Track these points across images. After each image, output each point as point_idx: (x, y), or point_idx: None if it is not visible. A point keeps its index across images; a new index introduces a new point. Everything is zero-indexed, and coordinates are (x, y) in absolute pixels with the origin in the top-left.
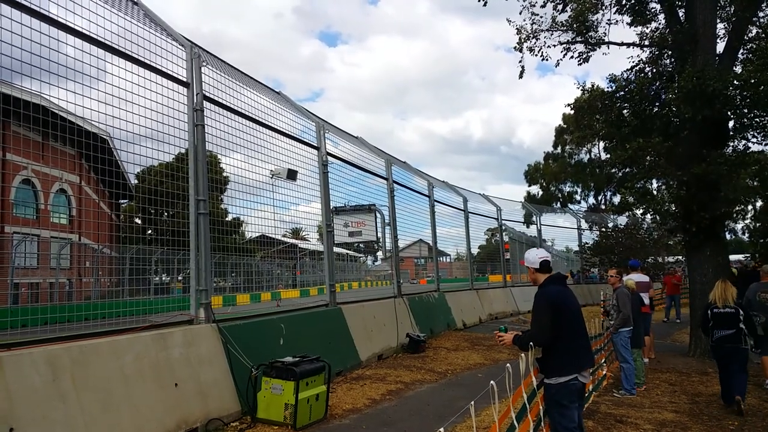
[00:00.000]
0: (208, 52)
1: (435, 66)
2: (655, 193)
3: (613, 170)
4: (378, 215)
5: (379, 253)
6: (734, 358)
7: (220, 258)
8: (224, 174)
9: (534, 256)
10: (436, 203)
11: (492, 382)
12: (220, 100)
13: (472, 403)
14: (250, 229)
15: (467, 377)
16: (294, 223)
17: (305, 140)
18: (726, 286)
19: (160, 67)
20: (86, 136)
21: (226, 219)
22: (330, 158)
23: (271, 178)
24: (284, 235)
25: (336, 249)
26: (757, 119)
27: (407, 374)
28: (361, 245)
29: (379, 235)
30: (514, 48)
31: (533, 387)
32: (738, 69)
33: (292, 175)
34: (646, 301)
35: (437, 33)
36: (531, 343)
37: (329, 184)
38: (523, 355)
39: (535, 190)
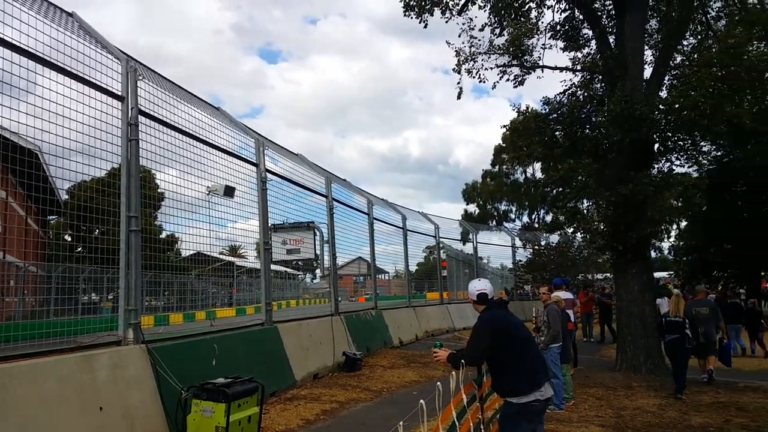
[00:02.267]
0: (144, 65)
1: (375, 86)
2: (585, 212)
3: (547, 189)
4: (317, 233)
5: (318, 271)
6: (680, 355)
7: (152, 276)
8: (159, 190)
9: (473, 288)
10: (375, 221)
11: (421, 401)
12: (156, 115)
13: (401, 423)
14: (186, 246)
15: (402, 395)
16: (231, 240)
17: (244, 157)
18: (678, 300)
19: (93, 80)
20: (14, 150)
21: (161, 236)
22: (269, 175)
23: (208, 194)
24: (221, 253)
25: (274, 267)
26: (681, 142)
27: (342, 393)
28: (300, 263)
29: (318, 252)
30: (453, 69)
31: (464, 404)
32: (664, 94)
33: (229, 191)
34: (572, 317)
35: (377, 54)
36: (462, 362)
37: (268, 201)
38: (453, 372)
39: (473, 208)
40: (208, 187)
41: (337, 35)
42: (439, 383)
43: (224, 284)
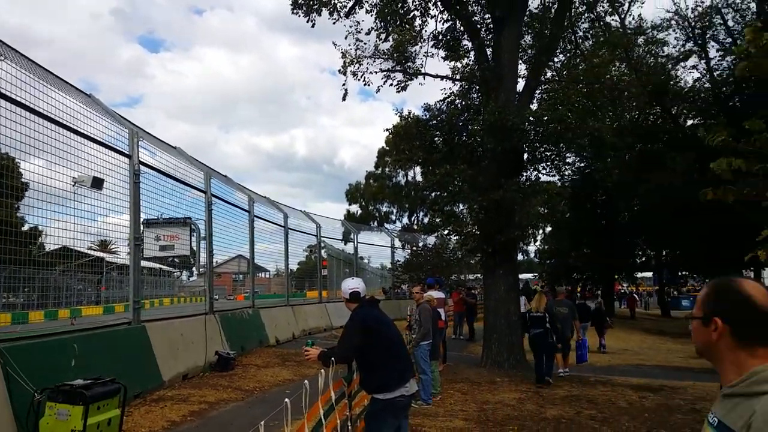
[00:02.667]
0: (7, 45)
1: (262, 82)
2: (460, 216)
3: (426, 193)
4: (194, 229)
5: (195, 269)
6: (543, 349)
7: (11, 272)
8: (23, 180)
9: (346, 287)
10: (256, 219)
11: (287, 399)
12: (19, 99)
13: (262, 423)
14: (50, 240)
15: (275, 394)
16: (101, 235)
17: (116, 147)
18: (541, 298)
19: None
20: None
21: (23, 229)
22: (143, 168)
23: (74, 185)
24: (90, 248)
25: (148, 263)
26: (548, 153)
27: (213, 393)
28: (176, 260)
29: (195, 249)
30: (339, 71)
31: (332, 402)
32: (534, 106)
33: (97, 183)
34: (443, 316)
35: (264, 50)
36: (333, 359)
37: (141, 195)
38: (322, 371)
39: (355, 209)
40: (74, 178)
41: (224, 28)
42: (306, 381)
43: (92, 281)
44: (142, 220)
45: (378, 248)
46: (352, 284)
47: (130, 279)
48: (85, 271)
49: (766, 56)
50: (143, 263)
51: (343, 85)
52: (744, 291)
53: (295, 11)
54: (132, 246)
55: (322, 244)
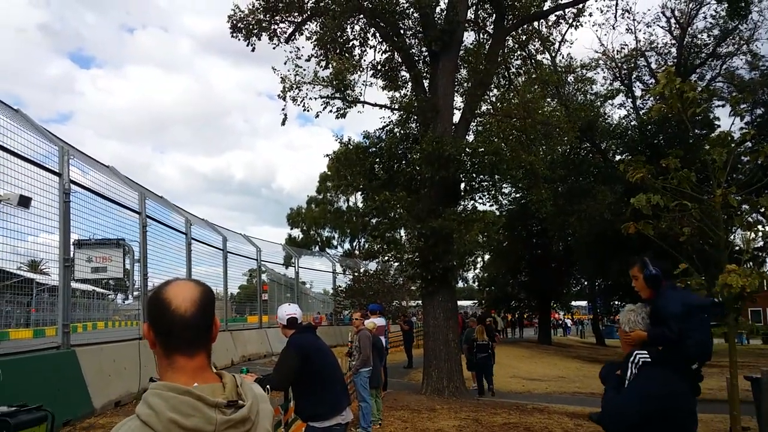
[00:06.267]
0: None
1: (197, 104)
2: (401, 242)
3: (367, 219)
4: (127, 251)
5: (130, 291)
6: (486, 369)
7: None
8: None
9: (283, 312)
10: (193, 241)
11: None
12: None
13: None
14: None
15: None
16: (31, 255)
17: (45, 165)
18: (482, 329)
19: None
20: None
21: None
22: (74, 187)
23: None
24: (19, 268)
25: (82, 286)
26: (484, 183)
27: None
28: (111, 282)
29: (129, 271)
30: (278, 96)
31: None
32: (471, 138)
33: (24, 201)
34: (384, 343)
35: (200, 72)
36: (268, 387)
37: (71, 215)
38: None
39: (296, 233)
40: None
41: (156, 49)
42: None
43: (22, 303)
44: (73, 240)
45: (320, 273)
46: (289, 310)
47: (58, 301)
48: (14, 292)
49: (678, 99)
50: (75, 285)
51: (283, 109)
52: (160, 293)
53: (234, 35)
54: (61, 267)
55: (263, 268)
